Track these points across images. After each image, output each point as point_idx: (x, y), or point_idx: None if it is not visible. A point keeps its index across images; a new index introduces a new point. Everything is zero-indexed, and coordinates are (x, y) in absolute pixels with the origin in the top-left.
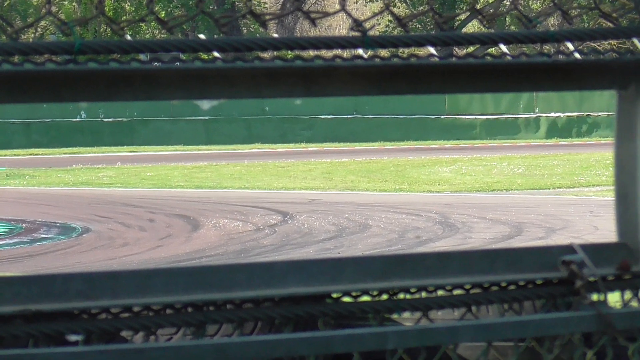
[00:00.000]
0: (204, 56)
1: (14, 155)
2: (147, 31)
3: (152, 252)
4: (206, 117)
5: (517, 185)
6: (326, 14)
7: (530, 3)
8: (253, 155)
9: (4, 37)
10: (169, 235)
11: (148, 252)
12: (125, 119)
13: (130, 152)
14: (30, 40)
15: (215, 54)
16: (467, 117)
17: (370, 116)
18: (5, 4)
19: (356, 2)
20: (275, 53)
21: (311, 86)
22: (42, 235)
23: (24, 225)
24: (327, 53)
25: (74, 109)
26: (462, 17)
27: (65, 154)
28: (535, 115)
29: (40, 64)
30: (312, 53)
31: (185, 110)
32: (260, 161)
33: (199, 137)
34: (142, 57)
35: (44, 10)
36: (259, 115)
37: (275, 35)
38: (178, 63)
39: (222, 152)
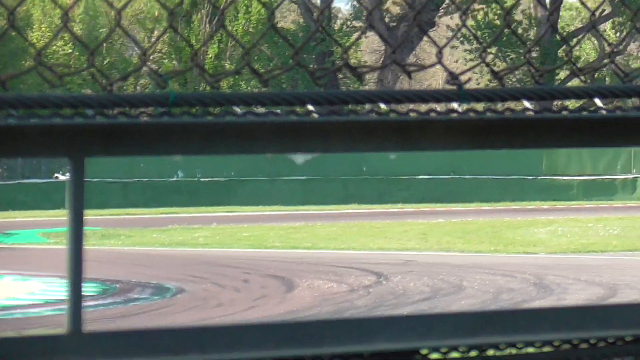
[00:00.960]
0: (300, 110)
1: (111, 215)
2: (247, 88)
3: (245, 313)
4: (303, 177)
5: (612, 246)
6: (422, 67)
7: (630, 62)
8: (349, 216)
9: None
10: (264, 295)
11: (242, 312)
12: (222, 179)
13: (227, 212)
14: None
15: (310, 107)
16: (564, 177)
17: (467, 177)
18: (105, 62)
19: (456, 62)
20: (370, 107)
21: (406, 140)
22: (136, 296)
23: (118, 285)
24: (422, 107)
25: (172, 169)
26: (562, 76)
27: (161, 213)
28: (632, 177)
29: (134, 116)
30: (406, 107)
31: (282, 170)
32: (356, 221)
33: (296, 197)
34: (237, 110)
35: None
36: (357, 176)
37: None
38: (273, 116)
39: (319, 212)
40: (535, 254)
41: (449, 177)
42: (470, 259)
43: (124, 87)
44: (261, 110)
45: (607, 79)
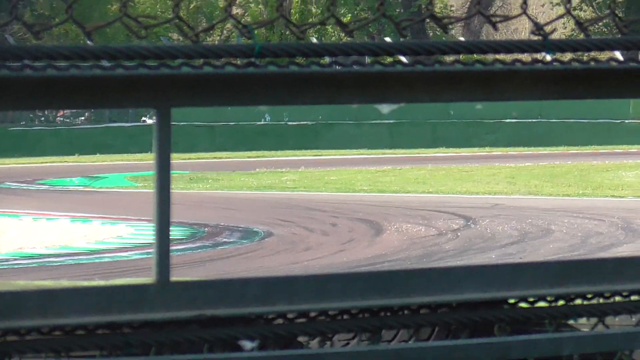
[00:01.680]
0: (385, 59)
1: (198, 158)
2: (334, 34)
3: (334, 257)
4: (391, 121)
5: None
6: (507, 18)
7: None
8: (437, 160)
9: (185, 40)
10: (352, 239)
11: (330, 256)
12: (309, 123)
13: (314, 155)
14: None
15: (399, 57)
16: None
17: (554, 120)
18: (192, 6)
19: (542, 6)
20: (458, 57)
21: (491, 90)
22: (225, 240)
23: (206, 229)
24: (507, 57)
25: (259, 113)
26: None
27: (249, 157)
28: None
29: (219, 67)
30: (492, 57)
31: (369, 114)
32: (444, 165)
33: (384, 141)
34: (325, 60)
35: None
36: (444, 119)
37: (460, 39)
38: (358, 66)
39: (406, 156)
40: (623, 198)
41: (537, 120)
42: (558, 203)
43: (210, 33)
44: (347, 60)
45: None
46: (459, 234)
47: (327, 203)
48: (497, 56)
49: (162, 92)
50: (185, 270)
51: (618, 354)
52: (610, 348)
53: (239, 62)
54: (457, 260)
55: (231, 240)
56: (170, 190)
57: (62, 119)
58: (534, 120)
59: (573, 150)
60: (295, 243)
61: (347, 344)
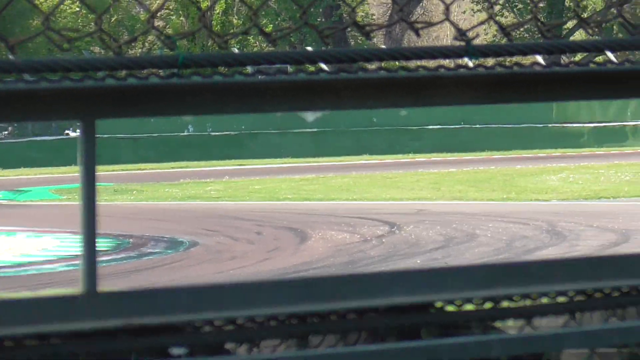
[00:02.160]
0: (311, 68)
1: (122, 170)
2: (255, 44)
3: (259, 265)
4: (314, 129)
5: (624, 192)
6: (430, 24)
7: (637, 11)
8: (361, 167)
9: (110, 53)
10: (277, 248)
11: (256, 265)
12: (233, 133)
13: (238, 165)
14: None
15: (321, 65)
16: (574, 125)
17: (478, 126)
18: (113, 19)
19: (464, 12)
20: (381, 64)
21: (417, 96)
22: (149, 250)
23: (131, 240)
24: (431, 63)
25: (182, 124)
26: (570, 25)
27: (173, 168)
28: None
29: (143, 78)
30: (416, 63)
31: (293, 123)
32: (368, 172)
33: (307, 150)
34: (247, 69)
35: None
36: (367, 127)
37: (381, 47)
38: (283, 75)
39: (330, 164)
40: (548, 201)
41: (460, 126)
42: (483, 207)
43: (133, 45)
44: (271, 69)
45: (614, 27)
46: (384, 240)
47: (251, 212)
48: (421, 62)
49: (86, 104)
50: (112, 281)
51: (545, 354)
52: (538, 349)
53: (162, 73)
54: (382, 266)
55: (156, 250)
56: (96, 202)
57: None
58: (457, 127)
59: (497, 155)
60: (220, 252)
61: (274, 350)
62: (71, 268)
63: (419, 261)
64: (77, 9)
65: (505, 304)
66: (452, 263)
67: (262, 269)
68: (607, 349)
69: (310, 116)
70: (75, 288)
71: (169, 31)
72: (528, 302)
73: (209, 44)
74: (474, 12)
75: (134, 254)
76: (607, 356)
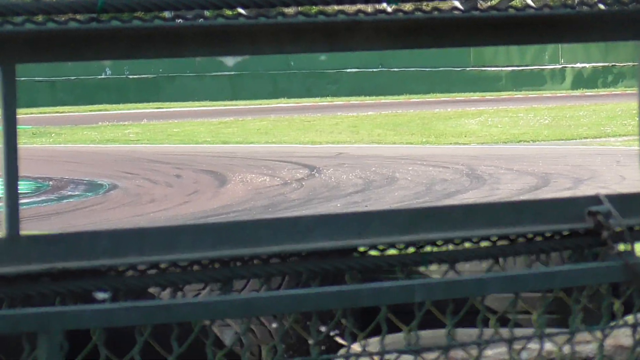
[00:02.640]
0: (228, 13)
1: (40, 113)
2: None
3: (179, 208)
4: (232, 73)
5: (543, 136)
6: None
7: None
8: (279, 110)
9: None
10: (196, 191)
11: (175, 208)
12: (150, 76)
13: (156, 108)
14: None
15: (239, 10)
16: (492, 69)
17: (395, 69)
18: None
19: None
20: (299, 9)
21: (334, 41)
22: (69, 193)
23: (50, 183)
24: (350, 8)
25: (99, 67)
26: None
27: (91, 111)
28: (560, 66)
29: (62, 22)
30: (335, 8)
31: (210, 67)
32: (286, 116)
33: (225, 93)
34: (165, 14)
35: None
36: (285, 70)
37: None
38: (201, 20)
39: (248, 107)
40: (467, 145)
41: (378, 70)
42: (402, 151)
43: None
44: (190, 14)
45: None
46: (304, 183)
47: (170, 155)
48: (340, 7)
49: (6, 49)
50: (32, 224)
51: (469, 299)
52: (461, 294)
53: (81, 17)
54: (302, 209)
55: (76, 193)
56: (17, 145)
57: None
58: (375, 70)
59: (415, 99)
60: (140, 195)
61: (198, 294)
62: None
63: (339, 204)
64: None
65: (428, 248)
66: (372, 206)
67: (182, 212)
68: (531, 294)
69: (230, 60)
70: None
71: None
72: (451, 247)
73: None
74: None
75: (53, 197)
76: (531, 300)
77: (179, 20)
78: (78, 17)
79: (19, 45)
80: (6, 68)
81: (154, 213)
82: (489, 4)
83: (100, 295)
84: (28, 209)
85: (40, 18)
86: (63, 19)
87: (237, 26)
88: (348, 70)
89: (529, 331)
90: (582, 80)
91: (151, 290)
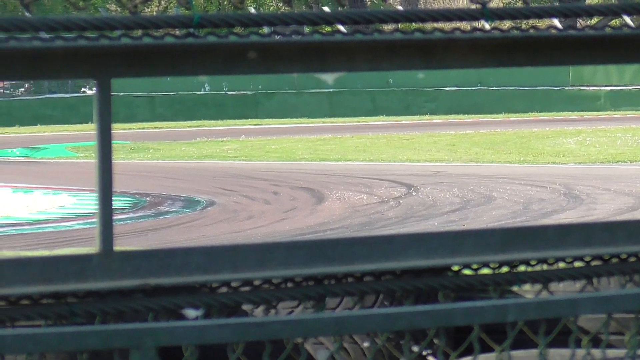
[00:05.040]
0: (326, 29)
1: (139, 128)
2: (272, 4)
3: (276, 225)
4: (330, 90)
5: None
6: None
7: None
8: (377, 128)
9: (126, 12)
10: (294, 208)
11: (272, 225)
12: (249, 92)
13: (255, 125)
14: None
15: (337, 26)
16: (591, 88)
17: (494, 88)
18: None
19: None
20: (397, 26)
21: (430, 58)
22: (166, 209)
23: (147, 199)
24: (447, 25)
25: (198, 83)
26: None
27: (189, 127)
28: None
29: (159, 37)
30: (433, 25)
31: (309, 83)
32: (384, 133)
33: (323, 110)
34: (264, 29)
35: None
36: (383, 88)
37: (399, 8)
38: (298, 36)
39: (346, 124)
40: (564, 164)
41: (476, 88)
42: (499, 170)
43: (149, 3)
44: (287, 30)
45: None
46: (401, 201)
47: (268, 172)
48: (436, 25)
49: (101, 63)
50: (128, 240)
51: (562, 320)
52: (554, 314)
53: (178, 32)
54: (399, 227)
55: (173, 209)
56: (112, 160)
57: (1, 90)
58: (473, 88)
59: (513, 117)
60: (237, 212)
61: (292, 311)
62: (88, 226)
63: (435, 223)
64: None
65: (521, 268)
66: (469, 225)
67: (278, 229)
68: (624, 314)
69: (329, 77)
70: (91, 247)
71: None
72: (544, 267)
73: (225, 3)
74: None
75: (150, 213)
76: (625, 321)
77: (276, 36)
78: (174, 31)
79: (114, 60)
80: (102, 82)
81: (251, 230)
82: (588, 22)
83: (192, 314)
84: (124, 225)
85: (137, 33)
86: (160, 33)
87: (334, 42)
88: (446, 88)
89: (621, 352)
90: None
91: (244, 307)
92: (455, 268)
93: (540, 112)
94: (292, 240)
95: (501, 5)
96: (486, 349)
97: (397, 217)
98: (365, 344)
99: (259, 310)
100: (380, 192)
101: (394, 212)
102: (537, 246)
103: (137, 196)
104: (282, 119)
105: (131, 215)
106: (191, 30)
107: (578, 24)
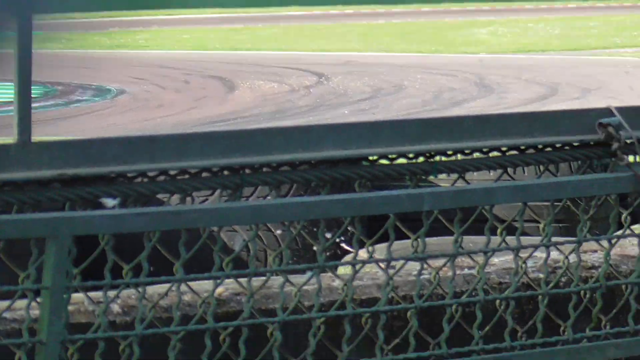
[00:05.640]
0: None
1: (52, 19)
2: None
3: (187, 114)
4: None
5: (553, 46)
6: None
7: None
8: (289, 18)
9: None
10: (204, 96)
11: (183, 113)
12: None
13: (167, 15)
14: None
15: None
16: None
17: None
18: None
19: None
20: None
21: None
22: (78, 97)
23: (59, 87)
24: None
25: None
26: None
27: (102, 17)
28: None
29: None
30: None
31: None
32: (296, 24)
33: (236, 0)
34: None
35: None
36: None
37: None
38: None
39: (259, 14)
40: (477, 54)
41: None
42: (411, 60)
43: None
44: None
45: None
46: (312, 90)
47: (179, 61)
48: None
49: None
50: (41, 128)
51: (478, 208)
52: (470, 203)
53: None
54: (310, 116)
55: (84, 98)
56: (32, 50)
57: None
58: None
59: (425, 7)
60: (147, 100)
61: (206, 200)
62: (3, 115)
63: (346, 111)
64: None
65: (438, 158)
66: (380, 114)
67: (189, 117)
68: (539, 203)
69: None
70: (8, 137)
71: None
72: (461, 157)
73: None
74: None
75: (62, 101)
76: (539, 210)
77: None
78: None
79: None
80: None
81: (162, 118)
82: None
83: (110, 203)
84: (36, 113)
85: None
86: None
87: None
88: None
89: (536, 240)
90: None
91: (160, 196)
92: (372, 158)
93: (452, 2)
94: (209, 131)
95: None
96: (401, 237)
97: (308, 105)
98: (279, 232)
99: (175, 200)
100: (291, 81)
101: (304, 101)
102: (454, 137)
103: (48, 85)
104: (194, 9)
105: (43, 103)
106: None
107: None
